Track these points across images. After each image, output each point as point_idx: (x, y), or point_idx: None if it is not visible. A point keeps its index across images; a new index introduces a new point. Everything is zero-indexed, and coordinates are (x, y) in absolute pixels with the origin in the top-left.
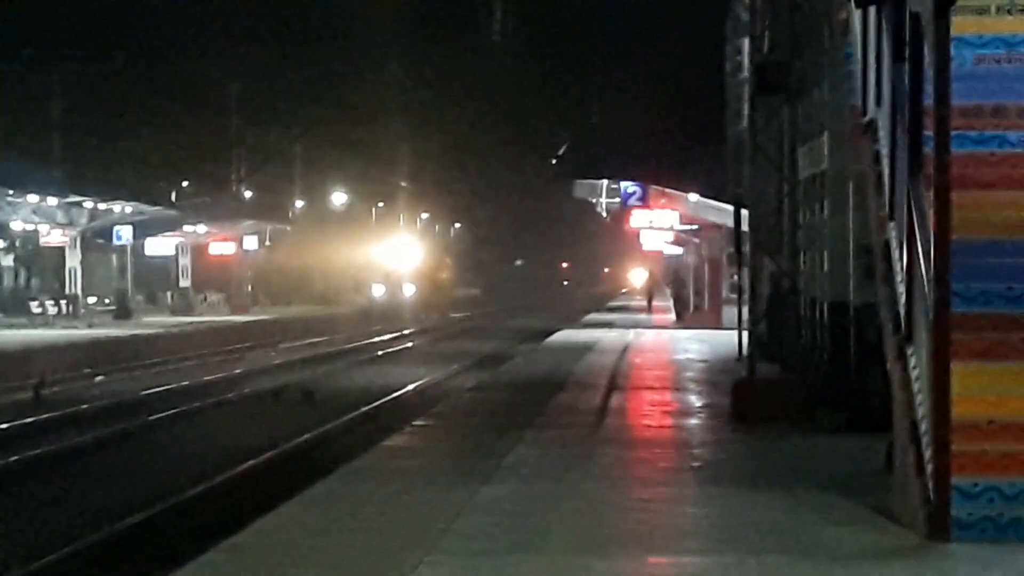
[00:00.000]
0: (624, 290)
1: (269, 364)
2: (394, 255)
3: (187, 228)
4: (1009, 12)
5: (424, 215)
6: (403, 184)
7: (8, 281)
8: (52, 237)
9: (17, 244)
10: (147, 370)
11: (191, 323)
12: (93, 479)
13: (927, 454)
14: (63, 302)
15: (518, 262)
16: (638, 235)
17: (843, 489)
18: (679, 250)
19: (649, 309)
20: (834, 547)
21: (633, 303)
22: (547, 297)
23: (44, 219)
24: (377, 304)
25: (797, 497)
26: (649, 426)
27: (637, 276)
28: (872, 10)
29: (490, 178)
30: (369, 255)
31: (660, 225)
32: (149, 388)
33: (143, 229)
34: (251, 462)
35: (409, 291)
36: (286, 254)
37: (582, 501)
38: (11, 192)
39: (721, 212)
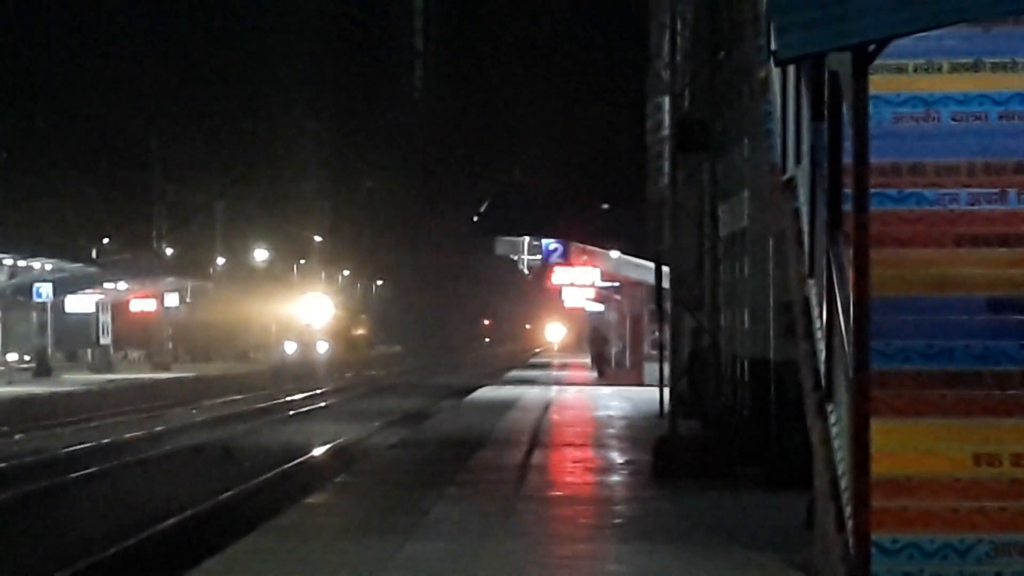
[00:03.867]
0: (538, 349)
1: (189, 422)
2: (308, 312)
3: (108, 285)
4: (926, 71)
5: (346, 272)
6: (319, 240)
7: None
8: None
9: None
10: (67, 428)
11: (111, 381)
12: (11, 537)
13: (847, 510)
14: None
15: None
16: (560, 292)
17: (764, 545)
18: (600, 307)
19: (594, 367)
20: None
21: (555, 360)
22: (469, 354)
23: None
24: (289, 362)
25: (718, 553)
26: (571, 483)
27: (554, 332)
28: (791, 68)
29: (412, 235)
30: (288, 312)
31: (582, 282)
32: (69, 446)
33: (63, 286)
34: (172, 520)
35: (323, 348)
36: (207, 311)
37: (504, 558)
38: None
39: (642, 269)
